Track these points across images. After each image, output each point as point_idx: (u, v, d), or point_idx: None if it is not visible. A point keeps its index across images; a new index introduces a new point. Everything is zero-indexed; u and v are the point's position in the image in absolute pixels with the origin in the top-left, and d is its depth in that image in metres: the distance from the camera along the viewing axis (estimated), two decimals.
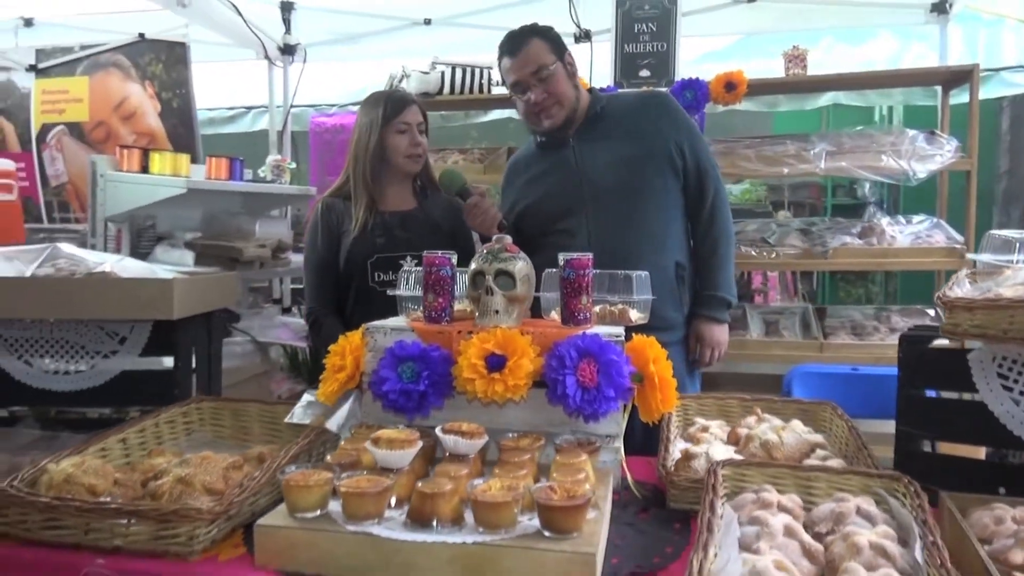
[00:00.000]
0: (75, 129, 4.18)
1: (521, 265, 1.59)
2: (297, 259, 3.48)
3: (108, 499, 1.22)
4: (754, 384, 3.23)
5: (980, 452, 1.54)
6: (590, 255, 1.59)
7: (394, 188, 2.21)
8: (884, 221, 3.33)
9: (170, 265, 2.53)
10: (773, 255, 3.22)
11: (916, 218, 3.38)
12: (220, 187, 3.06)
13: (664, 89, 3.35)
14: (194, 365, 1.88)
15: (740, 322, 3.40)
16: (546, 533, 1.12)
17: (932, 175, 3.10)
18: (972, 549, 1.09)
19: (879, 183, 5.24)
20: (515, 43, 2.14)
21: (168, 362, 1.87)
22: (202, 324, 1.87)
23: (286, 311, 4.18)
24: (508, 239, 1.63)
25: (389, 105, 2.15)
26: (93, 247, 2.72)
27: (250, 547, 1.22)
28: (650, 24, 3.59)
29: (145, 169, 2.87)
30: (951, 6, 3.48)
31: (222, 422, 1.76)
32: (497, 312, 1.56)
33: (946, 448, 1.56)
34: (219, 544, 1.22)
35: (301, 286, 4.83)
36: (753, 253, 3.23)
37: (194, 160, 3.35)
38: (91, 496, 1.23)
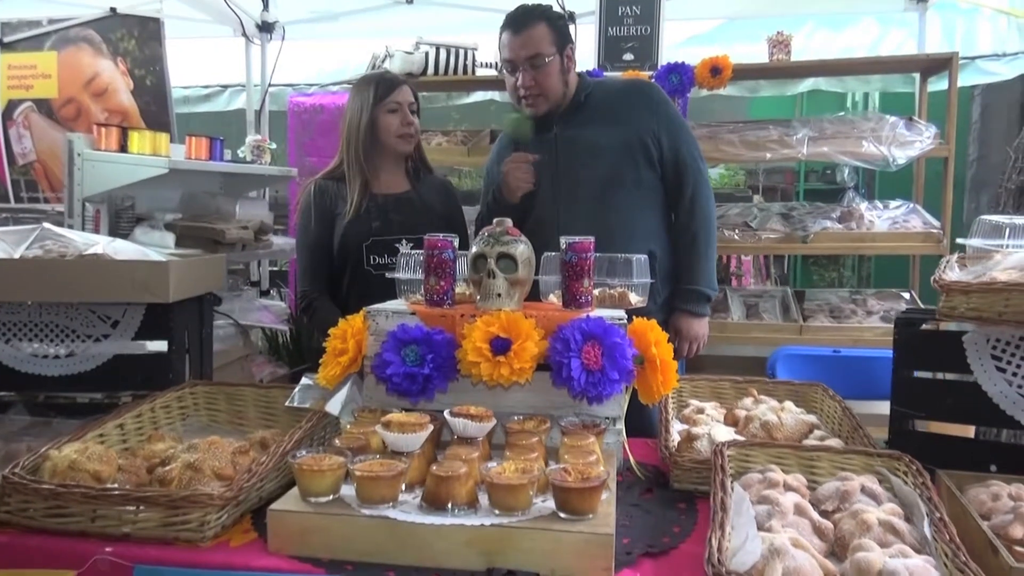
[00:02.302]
0: (43, 106, 4.05)
1: (523, 248, 1.59)
2: (279, 242, 3.44)
3: (114, 485, 1.20)
4: (736, 367, 3.28)
5: (969, 431, 1.58)
6: (591, 238, 1.59)
7: (387, 170, 2.19)
8: (863, 206, 3.39)
9: (151, 247, 2.48)
10: (755, 239, 3.26)
11: (893, 203, 3.45)
12: (201, 167, 3.00)
13: (648, 73, 3.36)
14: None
15: (721, 305, 3.44)
16: (561, 514, 1.13)
17: (910, 161, 3.16)
18: (974, 524, 1.13)
19: (856, 168, 5.32)
20: (521, 21, 2.11)
21: (155, 346, 1.84)
22: (194, 307, 1.84)
23: (264, 294, 4.13)
24: (509, 222, 1.63)
25: (380, 85, 2.12)
26: (71, 228, 2.65)
27: (261, 532, 1.21)
28: (634, 7, 3.58)
29: (124, 148, 2.80)
30: None
31: (217, 406, 1.74)
32: (499, 295, 1.56)
33: (936, 427, 1.60)
34: (229, 530, 1.21)
35: (278, 268, 4.80)
36: (736, 237, 3.26)
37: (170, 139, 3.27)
38: (96, 482, 1.21)
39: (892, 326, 3.09)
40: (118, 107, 4.03)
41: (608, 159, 2.14)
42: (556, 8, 2.24)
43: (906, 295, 3.40)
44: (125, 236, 2.74)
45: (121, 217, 2.88)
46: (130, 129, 2.87)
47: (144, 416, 1.56)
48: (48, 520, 1.18)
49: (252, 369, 3.35)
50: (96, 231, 2.76)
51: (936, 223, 3.16)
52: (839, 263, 5.85)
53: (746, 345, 3.40)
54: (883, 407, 2.68)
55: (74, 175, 2.73)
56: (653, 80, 3.29)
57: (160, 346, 1.77)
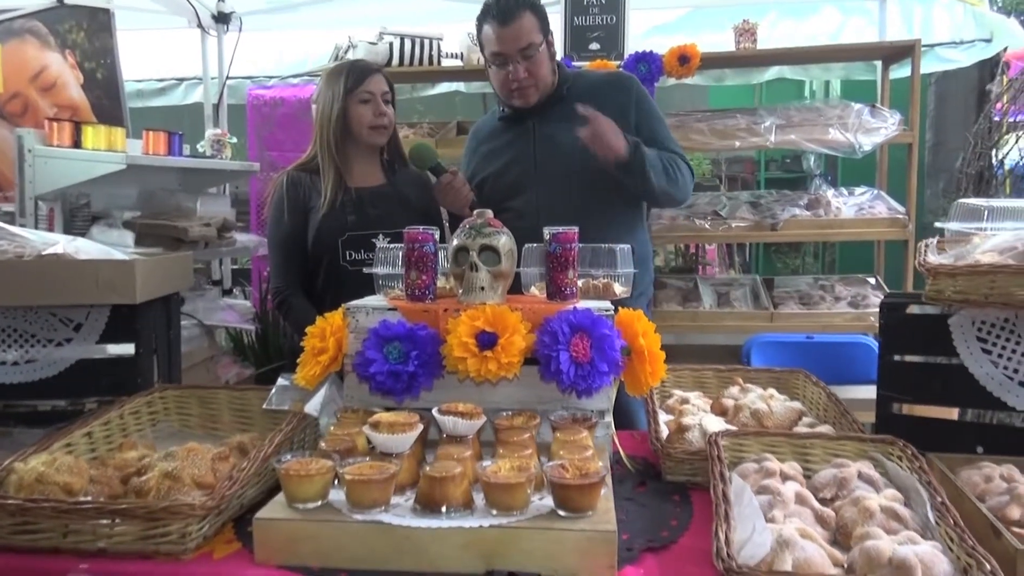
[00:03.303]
0: None
1: (505, 240, 1.54)
2: (243, 239, 3.34)
3: (88, 498, 1.13)
4: (708, 355, 3.30)
5: (951, 413, 1.59)
6: (575, 229, 1.56)
7: (361, 162, 2.12)
8: (829, 193, 3.43)
9: (108, 246, 2.38)
10: (726, 228, 3.27)
11: (858, 190, 3.50)
12: (160, 163, 2.89)
13: (615, 63, 3.34)
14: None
15: (692, 294, 3.45)
16: (561, 512, 1.10)
17: (875, 148, 3.19)
18: (971, 507, 1.13)
19: (820, 156, 5.40)
20: (507, 12, 2.04)
21: (118, 349, 1.76)
22: (161, 308, 1.76)
23: (227, 292, 4.02)
24: (490, 213, 1.59)
25: (351, 75, 2.06)
26: (23, 227, 2.53)
27: (245, 542, 1.16)
28: None
29: (77, 144, 2.68)
30: None
31: (189, 411, 1.67)
32: (483, 288, 1.51)
33: (920, 410, 1.60)
34: (212, 541, 1.15)
35: (240, 267, 4.68)
36: (707, 226, 3.27)
37: None
38: (67, 495, 1.14)
39: (861, 311, 3.16)
40: (68, 102, 3.87)
41: (587, 155, 2.10)
42: None
43: (872, 280, 3.46)
44: (81, 235, 2.63)
45: (76, 216, 2.77)
46: (84, 124, 2.75)
47: (112, 423, 1.48)
48: (16, 537, 1.11)
49: (218, 370, 3.26)
50: (50, 230, 2.64)
51: (901, 208, 3.20)
52: (802, 250, 5.94)
53: (717, 333, 3.42)
54: (860, 391, 2.73)
55: (25, 172, 2.61)
56: (621, 69, 3.27)
57: (125, 349, 1.69)
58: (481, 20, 2.09)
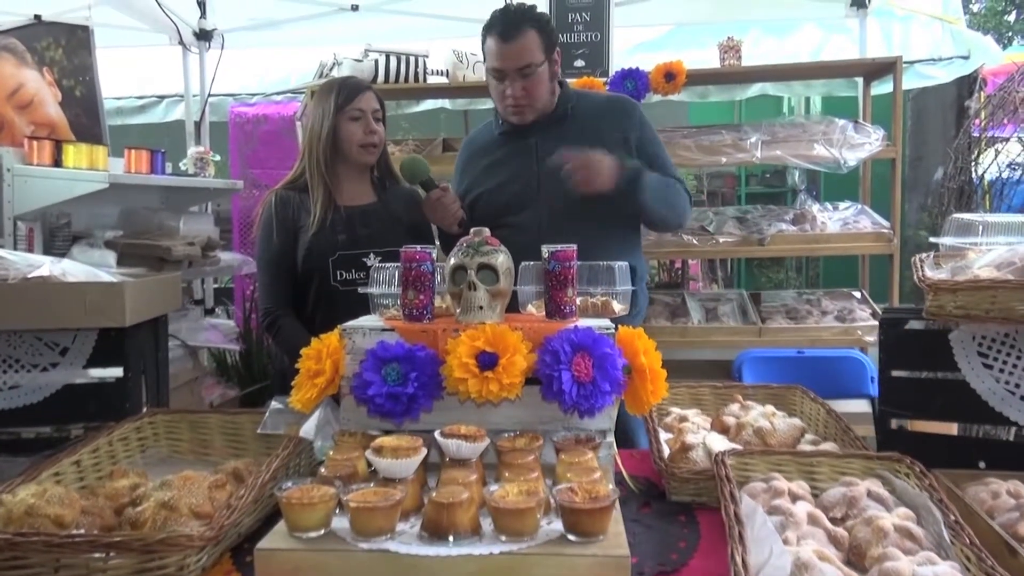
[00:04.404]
0: None
1: (503, 258, 1.53)
2: (226, 258, 3.29)
3: (81, 531, 1.09)
4: (697, 370, 3.29)
5: (951, 428, 1.59)
6: (574, 246, 1.55)
7: (351, 180, 2.10)
8: (815, 208, 3.45)
9: (91, 267, 2.33)
10: (713, 243, 3.28)
11: (842, 205, 3.53)
12: (143, 181, 2.84)
13: (600, 80, 3.35)
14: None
15: (680, 309, 3.45)
16: (571, 537, 1.08)
17: (859, 163, 3.23)
18: (983, 524, 1.12)
19: (803, 171, 5.45)
20: (511, 28, 2.02)
21: (105, 373, 1.71)
22: (150, 331, 1.72)
23: (209, 312, 3.96)
24: (487, 231, 1.57)
25: (342, 92, 2.03)
26: (3, 248, 2.47)
27: (244, 572, 1.12)
28: (584, 14, 3.58)
29: (58, 163, 2.63)
30: (869, 1, 3.63)
31: (179, 436, 1.62)
32: (481, 308, 1.49)
33: (920, 426, 1.60)
34: (210, 572, 1.11)
35: (222, 286, 4.62)
36: (695, 242, 3.28)
37: None
38: (58, 528, 1.09)
39: (848, 325, 3.17)
40: (45, 119, 3.79)
41: None
42: (541, 10, 2.17)
43: (857, 294, 3.48)
44: (62, 255, 2.57)
45: (56, 235, 2.71)
46: (64, 142, 2.70)
47: (101, 450, 1.44)
48: (5, 574, 1.06)
49: (202, 392, 3.20)
50: (30, 251, 2.58)
51: (885, 223, 3.23)
52: (785, 264, 5.98)
53: (705, 349, 3.41)
54: (854, 405, 2.74)
55: (3, 192, 2.55)
56: (607, 85, 3.28)
57: (113, 373, 1.64)
58: (486, 31, 2.08)
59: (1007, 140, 3.52)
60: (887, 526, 1.08)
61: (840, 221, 3.39)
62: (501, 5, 2.21)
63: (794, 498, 1.21)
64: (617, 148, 2.14)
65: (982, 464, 1.43)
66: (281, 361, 2.07)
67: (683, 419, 1.75)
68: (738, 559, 0.97)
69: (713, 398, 1.91)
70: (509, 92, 2.05)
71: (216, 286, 4.28)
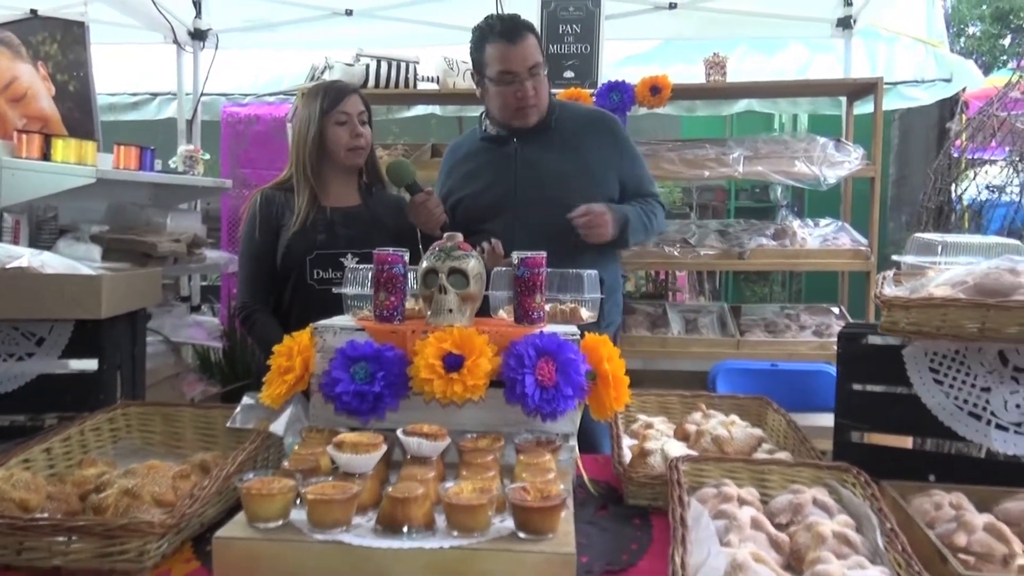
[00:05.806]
0: None
1: (474, 263, 1.56)
2: (213, 255, 3.32)
3: (44, 515, 1.12)
4: (676, 381, 3.33)
5: (907, 442, 1.63)
6: (543, 253, 1.59)
7: (337, 183, 2.13)
8: (795, 224, 3.50)
9: (75, 260, 2.36)
10: (694, 255, 3.32)
11: (823, 221, 3.58)
12: (131, 177, 2.87)
13: (588, 91, 3.40)
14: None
15: (661, 320, 3.50)
16: (521, 534, 1.11)
17: (839, 181, 3.28)
18: (920, 534, 1.16)
19: (786, 187, 5.50)
20: (514, 32, 2.09)
21: (81, 365, 1.74)
22: (127, 324, 1.75)
23: (195, 309, 3.98)
24: (460, 236, 1.61)
25: (327, 96, 2.07)
26: None
27: (204, 561, 1.15)
28: (574, 26, 3.63)
29: (46, 156, 2.66)
30: (855, 22, 3.70)
31: (152, 428, 1.65)
32: (451, 311, 1.53)
33: (876, 439, 1.64)
34: (170, 559, 1.15)
35: (209, 283, 4.64)
36: (676, 253, 3.32)
37: None
38: (23, 512, 1.13)
39: (824, 340, 3.21)
40: (38, 113, 3.82)
41: (569, 186, 2.14)
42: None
43: (836, 310, 3.53)
44: (47, 248, 2.59)
45: (43, 228, 2.73)
46: (53, 137, 2.73)
47: (73, 439, 1.47)
48: None
49: (183, 388, 3.23)
50: (15, 243, 2.60)
51: (864, 240, 3.29)
52: (770, 278, 6.03)
53: (684, 360, 3.46)
54: (822, 419, 2.77)
55: None
56: (594, 97, 3.33)
57: (88, 365, 1.67)
58: (483, 40, 2.13)
59: (990, 162, 3.58)
60: (826, 532, 1.11)
61: (820, 237, 3.44)
62: (492, 14, 2.27)
63: (742, 503, 1.24)
64: (599, 164, 2.20)
65: (932, 477, 1.47)
66: (260, 358, 2.10)
67: (649, 426, 1.79)
68: (677, 560, 1.00)
69: (681, 406, 1.94)
70: (520, 93, 2.09)
71: (203, 283, 4.30)
